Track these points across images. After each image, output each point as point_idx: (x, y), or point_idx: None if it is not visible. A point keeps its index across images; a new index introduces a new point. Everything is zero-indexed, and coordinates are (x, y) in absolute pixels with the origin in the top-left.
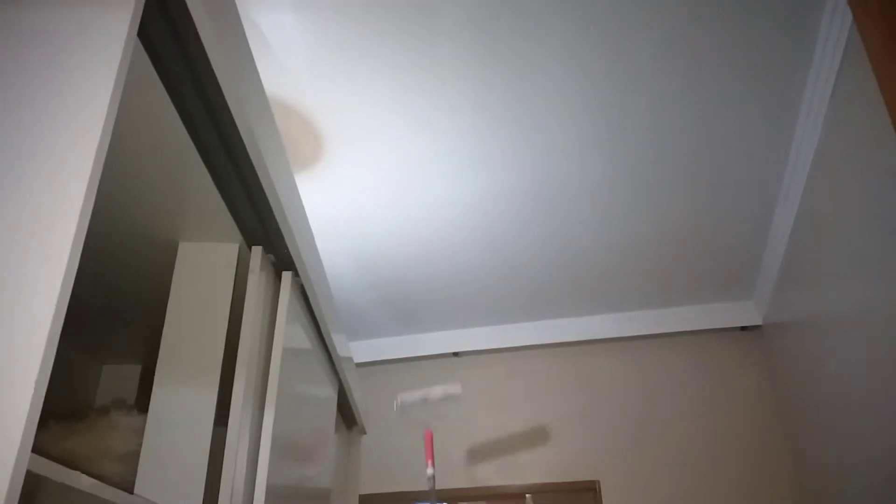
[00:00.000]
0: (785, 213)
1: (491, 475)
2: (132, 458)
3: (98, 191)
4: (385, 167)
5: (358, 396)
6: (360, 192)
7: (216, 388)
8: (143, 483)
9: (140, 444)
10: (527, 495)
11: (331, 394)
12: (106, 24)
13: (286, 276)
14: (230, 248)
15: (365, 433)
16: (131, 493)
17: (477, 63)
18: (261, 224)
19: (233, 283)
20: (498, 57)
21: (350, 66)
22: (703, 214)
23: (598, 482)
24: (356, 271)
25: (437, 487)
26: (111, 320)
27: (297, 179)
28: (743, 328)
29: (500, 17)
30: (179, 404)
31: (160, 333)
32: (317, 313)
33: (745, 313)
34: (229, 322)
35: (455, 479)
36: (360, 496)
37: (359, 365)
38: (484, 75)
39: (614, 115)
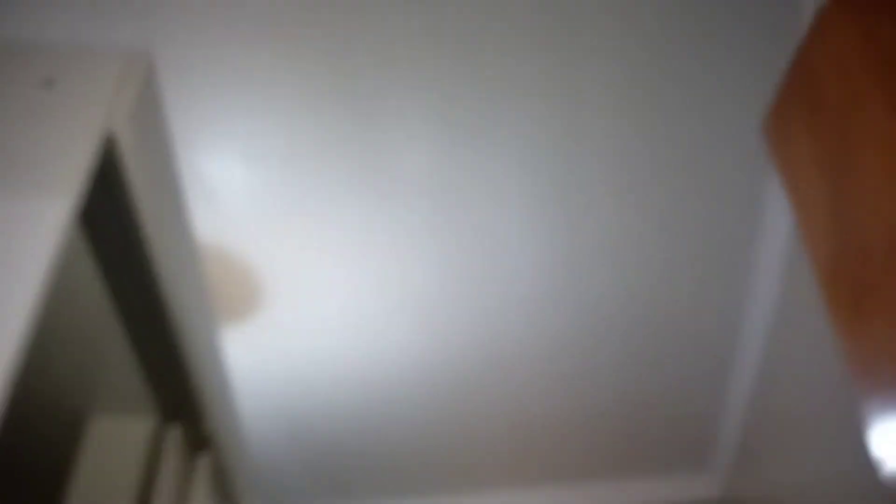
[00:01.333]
0: (741, 380)
1: None
2: None
3: None
4: (325, 321)
5: None
6: (296, 348)
7: None
8: None
9: None
10: None
11: None
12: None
13: (203, 461)
14: (144, 424)
15: None
16: None
17: (431, 220)
18: (181, 400)
19: (143, 463)
20: (453, 216)
21: (298, 220)
22: (658, 382)
23: None
24: (282, 433)
25: None
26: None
27: (229, 334)
28: (698, 503)
29: (457, 173)
30: None
31: None
32: (231, 495)
33: (700, 487)
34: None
35: None
36: None
37: None
38: (438, 233)
39: (568, 276)
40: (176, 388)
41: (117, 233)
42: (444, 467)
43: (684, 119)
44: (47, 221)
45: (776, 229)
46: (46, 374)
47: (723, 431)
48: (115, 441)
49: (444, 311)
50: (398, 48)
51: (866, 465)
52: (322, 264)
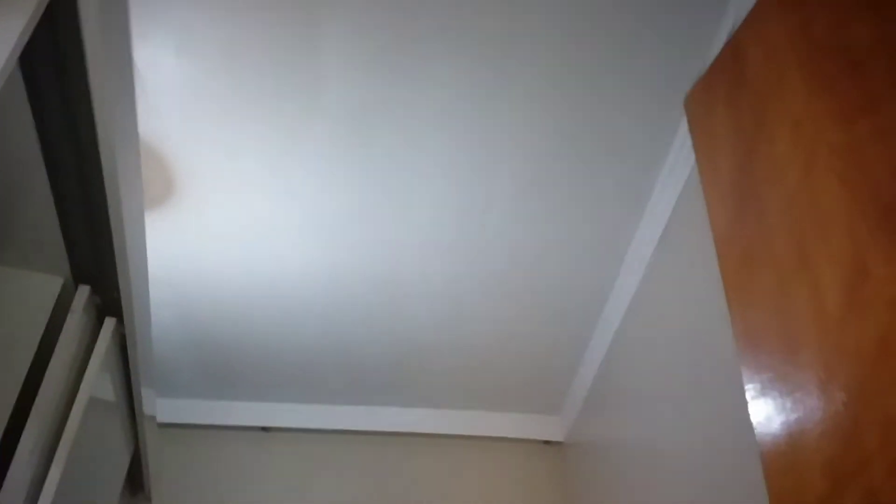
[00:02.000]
0: (601, 337)
1: None
2: None
3: None
4: (235, 223)
5: (152, 461)
6: (203, 244)
7: (1, 429)
8: None
9: None
10: None
11: (124, 456)
12: None
13: (109, 323)
14: (53, 282)
15: (150, 501)
16: None
17: (353, 147)
18: (95, 262)
19: (47, 319)
20: (372, 148)
21: (224, 120)
22: (528, 329)
23: None
24: (177, 322)
25: None
26: None
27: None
28: (546, 442)
29: (380, 110)
30: None
31: None
32: (132, 366)
33: (550, 428)
34: (33, 361)
35: None
36: None
37: (160, 425)
38: (358, 160)
39: (466, 223)
40: (93, 250)
41: (59, 77)
42: (321, 380)
43: (593, 116)
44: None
45: (651, 226)
46: None
47: (577, 381)
48: (21, 291)
49: (348, 235)
50: None
51: (690, 431)
52: (239, 169)
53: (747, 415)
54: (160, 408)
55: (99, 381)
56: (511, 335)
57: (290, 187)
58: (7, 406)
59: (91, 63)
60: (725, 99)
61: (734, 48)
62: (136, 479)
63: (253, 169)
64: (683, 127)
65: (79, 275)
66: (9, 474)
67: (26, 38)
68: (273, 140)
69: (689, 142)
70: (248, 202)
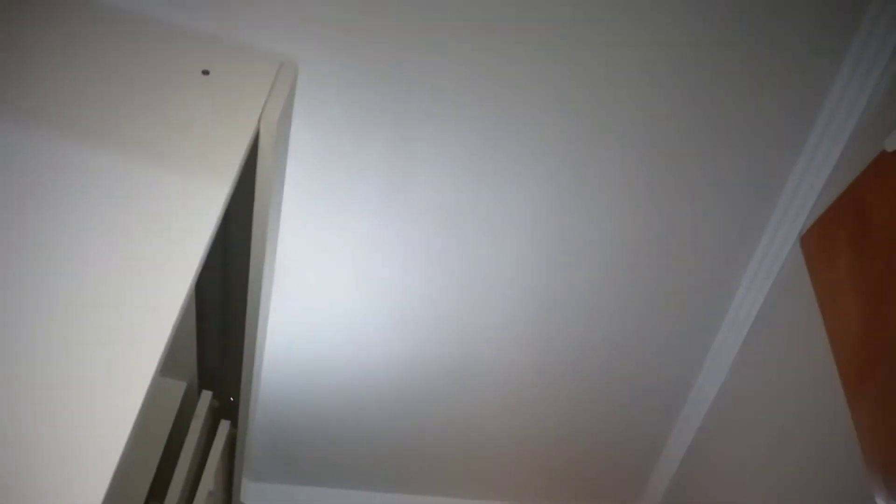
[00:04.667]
0: (684, 433)
1: None
2: None
3: None
4: (321, 313)
5: None
6: (291, 334)
7: None
8: None
9: None
10: None
11: None
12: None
13: (224, 425)
14: (176, 386)
15: None
16: None
17: (434, 243)
18: (221, 372)
19: (172, 422)
20: (454, 243)
21: (317, 216)
22: (606, 422)
23: None
24: (260, 409)
25: None
26: None
27: None
28: None
29: (468, 207)
30: None
31: None
32: (236, 461)
33: None
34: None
35: None
36: None
37: None
38: (438, 256)
39: (545, 313)
40: (221, 360)
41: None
42: (397, 467)
43: (685, 197)
44: (209, 204)
45: (742, 313)
46: None
47: (655, 476)
48: (155, 397)
49: (428, 325)
50: (444, 90)
51: None
52: (330, 262)
53: None
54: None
55: (213, 477)
56: (587, 425)
57: (378, 278)
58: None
59: (258, 208)
60: (847, 248)
61: (853, 196)
62: None
63: (342, 263)
64: (770, 227)
65: (204, 381)
66: None
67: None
68: (362, 237)
69: (775, 244)
70: (336, 294)
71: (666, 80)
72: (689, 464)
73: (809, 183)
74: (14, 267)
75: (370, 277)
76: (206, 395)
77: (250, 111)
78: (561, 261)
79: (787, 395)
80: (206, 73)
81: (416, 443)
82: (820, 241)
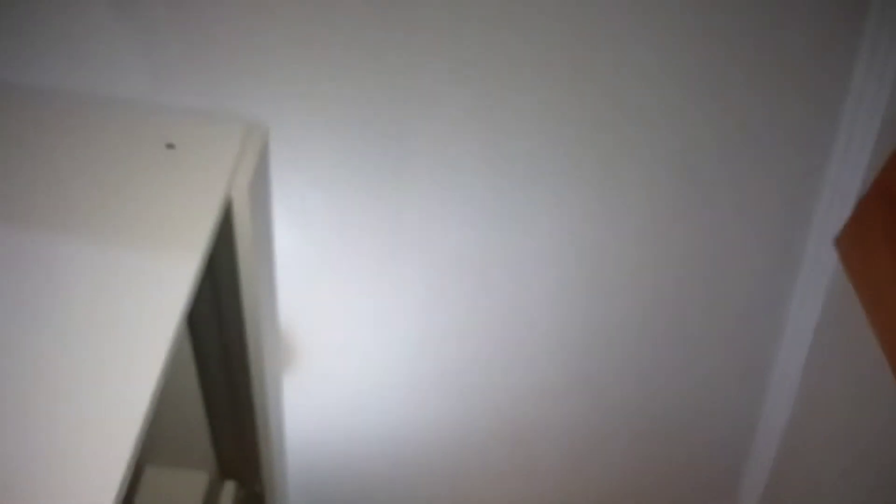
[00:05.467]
0: (754, 474)
1: None
2: None
3: None
4: (349, 386)
5: None
6: (319, 410)
7: None
8: None
9: None
10: None
11: None
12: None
13: None
14: (199, 478)
15: None
16: None
17: (460, 297)
18: (241, 460)
19: None
20: (481, 294)
21: (333, 285)
22: (667, 462)
23: None
24: (301, 488)
25: None
26: None
27: None
28: None
29: (488, 255)
30: None
31: None
32: None
33: None
34: None
35: None
36: None
37: None
38: (466, 310)
39: (585, 355)
40: (238, 448)
41: (213, 291)
42: None
43: (719, 218)
44: (178, 279)
45: (798, 332)
46: None
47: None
48: (171, 493)
49: (464, 383)
50: (448, 134)
51: None
52: (354, 330)
53: None
54: None
55: None
56: (652, 475)
57: (402, 348)
58: None
59: (245, 286)
60: (884, 244)
61: (883, 186)
62: None
63: (366, 329)
64: (812, 242)
65: (225, 471)
66: None
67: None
68: (384, 300)
69: (821, 261)
70: (360, 365)
71: (692, 91)
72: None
73: (848, 174)
74: None
75: (394, 345)
76: (230, 486)
77: (219, 178)
78: (595, 300)
79: (860, 408)
80: (171, 146)
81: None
82: (854, 241)
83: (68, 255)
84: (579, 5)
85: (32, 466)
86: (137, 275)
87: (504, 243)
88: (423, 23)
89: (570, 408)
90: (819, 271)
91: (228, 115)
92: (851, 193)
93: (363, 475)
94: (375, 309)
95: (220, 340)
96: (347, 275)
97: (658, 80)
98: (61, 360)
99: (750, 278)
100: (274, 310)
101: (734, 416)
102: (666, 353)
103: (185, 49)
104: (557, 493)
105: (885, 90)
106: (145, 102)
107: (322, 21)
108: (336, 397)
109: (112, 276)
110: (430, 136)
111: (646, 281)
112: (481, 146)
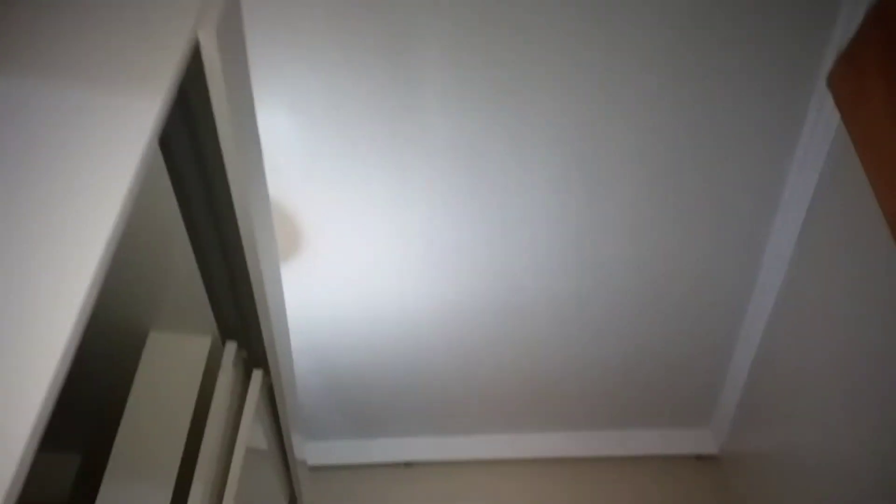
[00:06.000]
0: (748, 342)
1: None
2: None
3: None
4: (359, 268)
5: (307, 500)
6: (330, 291)
7: (171, 491)
8: None
9: None
10: None
11: (281, 498)
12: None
13: (256, 375)
14: (202, 341)
15: None
16: None
17: (459, 180)
18: (240, 318)
19: (200, 380)
20: (480, 177)
21: (339, 171)
22: (666, 340)
23: None
24: (315, 368)
25: None
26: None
27: None
28: (698, 457)
29: (485, 144)
30: (130, 502)
31: (106, 422)
32: (281, 415)
33: (702, 441)
34: (192, 419)
35: None
36: None
37: (310, 468)
38: (466, 192)
39: (586, 240)
40: (236, 308)
41: (194, 148)
42: (458, 412)
43: (712, 108)
44: (142, 118)
45: (791, 215)
46: (117, 289)
47: (725, 391)
48: (175, 354)
49: (466, 265)
50: (444, 24)
51: (861, 434)
52: (358, 216)
53: None
54: (311, 451)
55: (253, 432)
56: (648, 347)
57: (407, 227)
58: (174, 461)
59: (223, 134)
60: (877, 70)
61: (881, 19)
62: None
63: (370, 215)
64: (813, 109)
65: (225, 332)
66: None
67: (163, 120)
68: (386, 184)
69: (820, 125)
70: (369, 247)
71: None
72: (757, 375)
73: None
74: None
75: (397, 228)
76: (231, 346)
77: (185, 19)
78: (594, 179)
79: (850, 284)
80: None
81: (471, 383)
82: (848, 78)
83: (25, 95)
84: None
85: None
86: (101, 111)
87: (504, 128)
88: None
89: (566, 286)
90: (818, 144)
91: None
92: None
93: (370, 351)
94: (379, 195)
95: (210, 205)
96: (351, 161)
97: None
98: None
99: (746, 156)
100: (260, 173)
101: (729, 290)
102: (662, 232)
103: None
104: (556, 363)
105: None
106: None
107: None
108: (343, 279)
109: (74, 115)
110: (434, 26)
111: (644, 162)
112: (483, 38)
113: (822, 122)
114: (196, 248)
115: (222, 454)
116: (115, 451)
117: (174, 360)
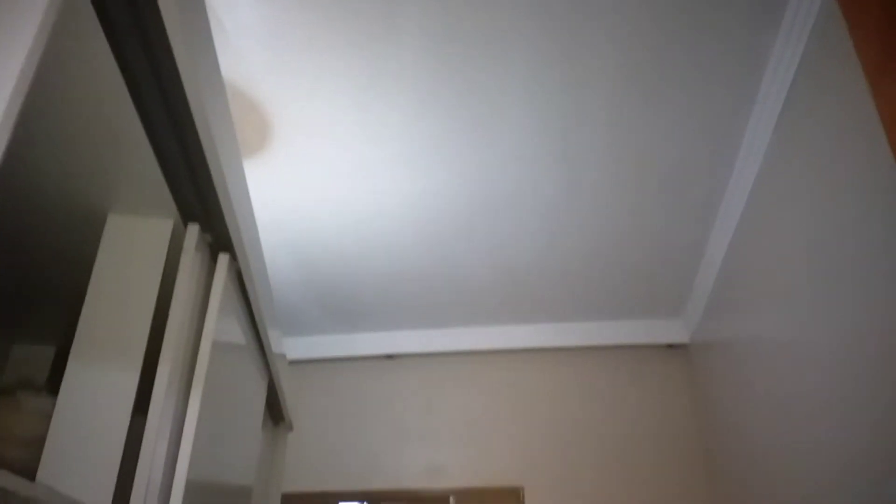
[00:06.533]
0: (720, 236)
1: (417, 477)
2: (38, 444)
3: (20, 150)
4: (332, 163)
5: (288, 391)
6: (304, 186)
7: (137, 373)
8: (48, 470)
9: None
10: (451, 497)
11: (260, 387)
12: None
13: (223, 259)
14: (163, 224)
15: (292, 430)
16: (33, 481)
17: (433, 71)
18: (199, 200)
19: (163, 262)
20: (455, 67)
21: (308, 61)
22: (641, 233)
23: (522, 488)
24: (293, 265)
25: (362, 487)
26: (24, 295)
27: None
28: (669, 346)
29: (460, 29)
30: (95, 387)
31: (80, 313)
32: (252, 302)
33: (673, 331)
34: (157, 304)
35: (381, 480)
36: (283, 495)
37: (293, 362)
38: (440, 83)
39: (562, 132)
40: (196, 190)
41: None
42: (437, 305)
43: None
44: None
45: (767, 107)
46: (69, 171)
47: (698, 283)
48: (136, 237)
49: (444, 161)
50: None
51: (824, 320)
52: (329, 110)
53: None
54: (292, 346)
55: (223, 318)
56: (623, 241)
57: (380, 122)
58: (140, 343)
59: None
60: None
61: None
62: (276, 410)
63: (342, 109)
64: (792, 5)
65: (186, 215)
66: (152, 403)
67: None
68: (358, 77)
69: (799, 20)
70: (341, 143)
71: None
72: (728, 268)
73: None
74: None
75: (370, 120)
76: (193, 228)
77: None
78: (573, 72)
79: (824, 173)
80: None
81: (450, 277)
82: None
83: None
84: None
85: None
86: None
87: (481, 16)
88: None
89: (543, 180)
90: (800, 27)
91: None
92: None
93: (347, 246)
94: (351, 88)
95: (157, 78)
96: (319, 53)
97: None
98: None
99: (726, 41)
100: (209, 46)
101: (706, 182)
102: (640, 128)
103: None
104: (535, 256)
105: None
106: None
107: None
108: (317, 173)
109: None
110: None
111: (622, 53)
112: None
113: (799, 20)
114: (146, 125)
115: (192, 338)
116: (78, 335)
117: (135, 242)
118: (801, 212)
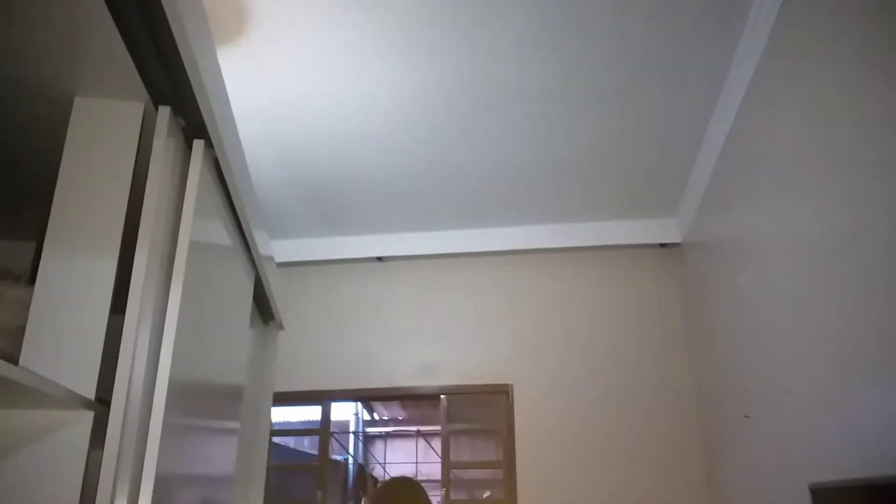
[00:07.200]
0: (715, 135)
1: (409, 377)
2: (19, 333)
3: None
4: (314, 52)
5: (276, 291)
6: (285, 77)
7: (115, 262)
8: (29, 358)
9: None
10: (441, 396)
11: (246, 283)
12: None
13: (198, 145)
14: (134, 107)
15: (282, 328)
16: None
17: None
18: (170, 81)
19: (136, 147)
20: None
21: None
22: (636, 131)
23: (511, 386)
24: (277, 164)
25: (356, 386)
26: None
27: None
28: (662, 245)
29: None
30: (72, 277)
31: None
32: (233, 194)
33: (666, 231)
34: (132, 191)
35: (374, 379)
36: (276, 393)
37: (282, 265)
38: None
39: (557, 19)
40: (165, 70)
41: None
42: (428, 206)
43: None
44: None
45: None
46: (30, 53)
47: (692, 182)
48: (105, 120)
49: (438, 50)
50: None
51: (812, 217)
52: None
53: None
54: (278, 249)
55: (202, 207)
56: (618, 140)
57: (367, 6)
58: (116, 229)
59: None
60: None
61: None
62: (264, 309)
63: None
64: None
65: (157, 97)
66: (130, 295)
67: None
68: None
69: None
70: (323, 32)
71: None
72: (721, 168)
73: None
74: None
75: (352, 6)
76: (164, 111)
77: None
78: None
79: (822, 71)
80: None
81: (441, 176)
82: None
83: None
84: None
85: None
86: None
87: None
88: None
89: (541, 67)
90: None
91: None
92: None
93: (333, 142)
94: None
95: None
96: None
97: None
98: None
99: None
100: None
101: (702, 81)
102: (637, 25)
103: None
104: (529, 148)
105: None
106: None
107: None
108: (297, 63)
109: None
110: None
111: None
112: None
113: None
114: (112, 7)
115: (171, 227)
116: (51, 223)
117: (105, 126)
118: (798, 109)
